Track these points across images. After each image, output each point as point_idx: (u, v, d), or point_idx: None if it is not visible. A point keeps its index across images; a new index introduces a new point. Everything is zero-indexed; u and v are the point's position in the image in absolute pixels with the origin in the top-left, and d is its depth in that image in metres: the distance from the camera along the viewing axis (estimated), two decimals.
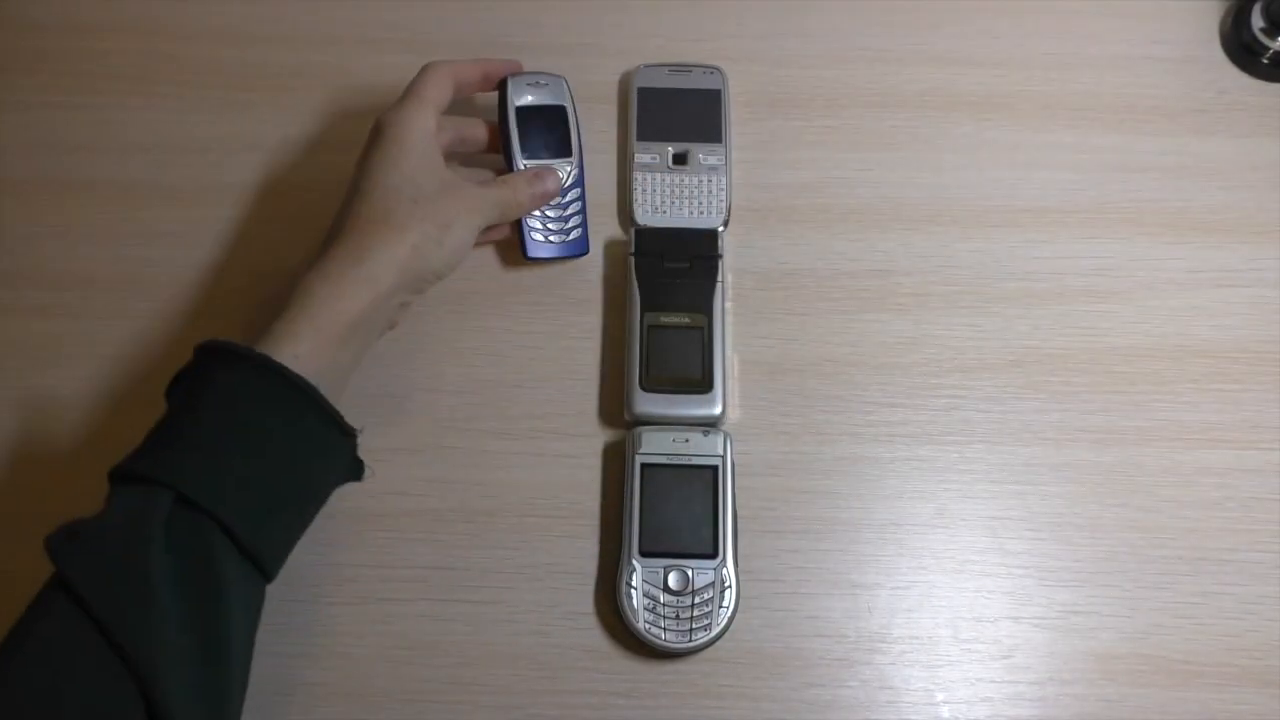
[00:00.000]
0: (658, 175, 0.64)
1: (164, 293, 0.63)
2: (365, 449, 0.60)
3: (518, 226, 0.62)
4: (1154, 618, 0.57)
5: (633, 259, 0.62)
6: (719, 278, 0.62)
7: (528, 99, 0.63)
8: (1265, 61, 0.69)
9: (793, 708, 0.55)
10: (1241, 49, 0.70)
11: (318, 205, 0.65)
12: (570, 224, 0.63)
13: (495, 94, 0.63)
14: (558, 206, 0.63)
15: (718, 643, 0.55)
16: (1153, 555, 0.58)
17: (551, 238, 0.63)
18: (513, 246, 0.64)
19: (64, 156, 0.67)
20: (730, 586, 0.55)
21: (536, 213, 0.63)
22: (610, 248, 0.65)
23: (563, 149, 0.63)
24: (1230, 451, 0.60)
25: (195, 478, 0.45)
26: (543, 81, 0.64)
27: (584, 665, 0.56)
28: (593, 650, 0.56)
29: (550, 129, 0.63)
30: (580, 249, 0.63)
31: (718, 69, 0.67)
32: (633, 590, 0.55)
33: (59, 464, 0.60)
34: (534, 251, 0.63)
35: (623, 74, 0.68)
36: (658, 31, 0.70)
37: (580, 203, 0.64)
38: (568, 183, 0.63)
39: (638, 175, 0.65)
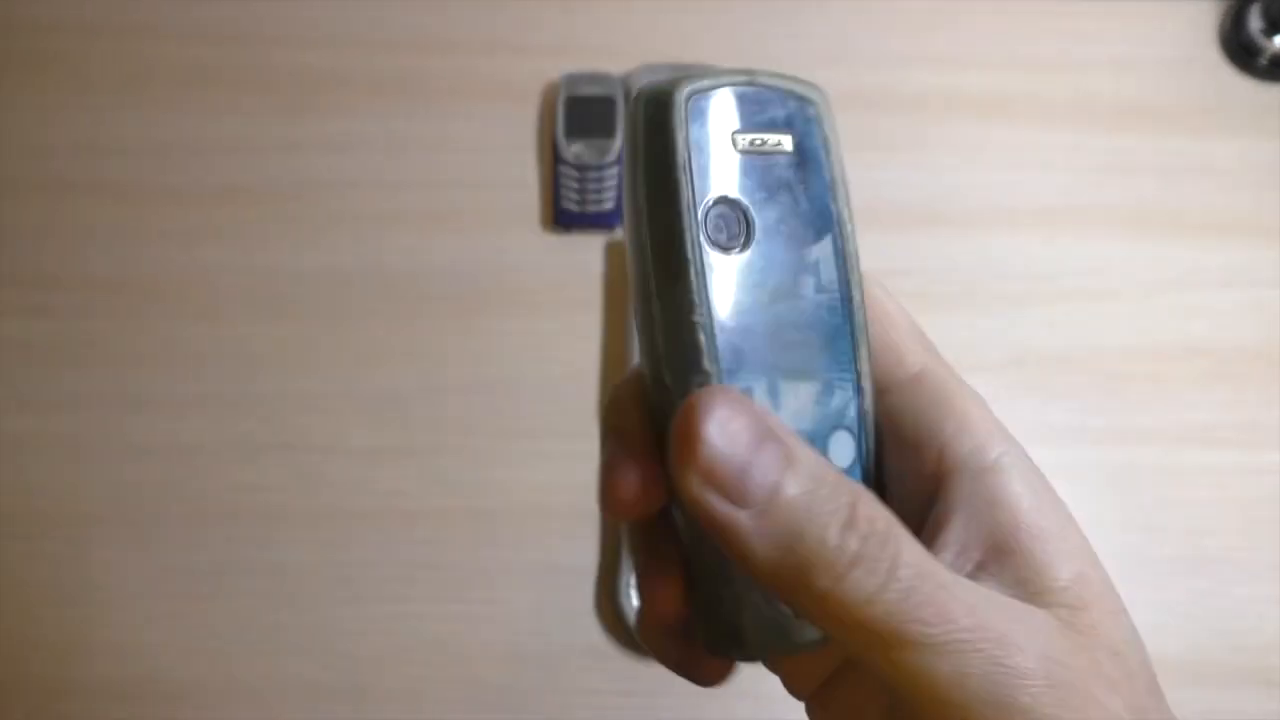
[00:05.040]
0: None
1: (164, 293, 0.63)
2: (366, 448, 0.60)
3: (552, 189, 0.64)
4: (1154, 618, 0.57)
5: None
6: None
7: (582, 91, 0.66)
8: (1264, 62, 0.69)
9: (793, 707, 0.55)
10: (1240, 49, 0.70)
11: (318, 205, 0.66)
12: (605, 195, 0.64)
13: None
14: (597, 178, 0.64)
15: None
16: (1153, 555, 0.58)
17: (587, 206, 0.64)
18: (514, 246, 0.64)
19: (64, 156, 0.67)
20: None
21: (574, 178, 0.64)
22: (610, 248, 0.65)
23: (608, 130, 0.65)
24: (1230, 451, 0.60)
25: None
26: (599, 77, 0.66)
27: (584, 665, 0.56)
28: (593, 650, 0.56)
29: (600, 115, 0.66)
30: (609, 221, 0.64)
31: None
32: (633, 590, 0.55)
33: (59, 464, 0.60)
34: (562, 218, 0.64)
35: (623, 74, 0.68)
36: (658, 31, 0.70)
37: (619, 179, 0.64)
38: (610, 159, 0.64)
39: None
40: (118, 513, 0.58)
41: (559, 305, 0.63)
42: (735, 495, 0.21)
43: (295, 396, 0.61)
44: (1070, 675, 0.22)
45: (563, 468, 0.60)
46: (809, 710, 0.29)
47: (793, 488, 0.21)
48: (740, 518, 0.21)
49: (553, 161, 0.66)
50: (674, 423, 0.22)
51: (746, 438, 0.21)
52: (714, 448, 0.21)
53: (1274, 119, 0.68)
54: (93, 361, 0.62)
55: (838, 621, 0.21)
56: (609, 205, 0.64)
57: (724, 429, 0.21)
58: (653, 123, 0.24)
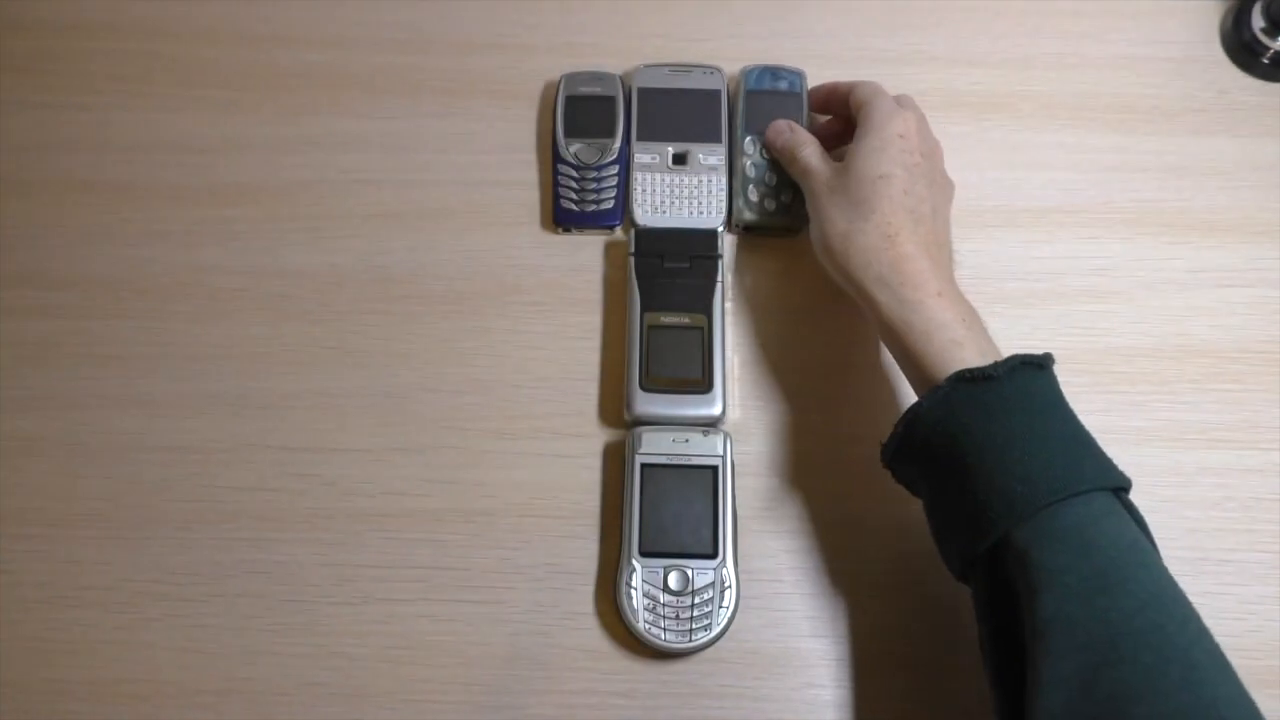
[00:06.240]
0: (657, 175, 0.64)
1: (164, 293, 0.64)
2: (365, 449, 0.60)
3: (552, 189, 0.65)
4: None
5: (632, 259, 0.62)
6: (719, 278, 0.62)
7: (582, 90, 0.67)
8: (1265, 61, 0.69)
9: (793, 708, 0.55)
10: (1242, 49, 0.69)
11: (317, 205, 0.66)
12: (604, 195, 0.64)
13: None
14: (596, 178, 0.64)
15: (718, 643, 0.55)
16: None
17: (586, 205, 0.64)
18: (514, 246, 0.65)
19: (64, 156, 0.67)
20: (730, 586, 0.55)
21: (574, 178, 0.64)
22: (610, 248, 0.65)
23: (608, 130, 0.65)
24: (1230, 451, 0.60)
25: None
26: (599, 77, 0.67)
27: (584, 665, 0.56)
28: (593, 650, 0.56)
29: (600, 115, 0.66)
30: (607, 221, 0.64)
31: (718, 69, 0.67)
32: (633, 590, 0.55)
33: (59, 464, 0.60)
34: (561, 218, 0.65)
35: (623, 74, 0.68)
36: (658, 31, 0.70)
37: (619, 179, 0.65)
38: (610, 159, 0.64)
39: (638, 175, 0.65)
40: (117, 513, 0.59)
41: (559, 305, 0.63)
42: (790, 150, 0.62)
43: (295, 396, 0.61)
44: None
45: (563, 468, 0.60)
46: None
47: (798, 149, 0.62)
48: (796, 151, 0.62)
49: (552, 161, 0.66)
50: (774, 125, 0.64)
51: (789, 131, 0.64)
52: (782, 134, 0.64)
53: (1275, 119, 0.68)
54: (93, 361, 0.62)
55: (799, 170, 0.61)
56: (608, 205, 0.64)
57: (782, 130, 0.64)
58: None
